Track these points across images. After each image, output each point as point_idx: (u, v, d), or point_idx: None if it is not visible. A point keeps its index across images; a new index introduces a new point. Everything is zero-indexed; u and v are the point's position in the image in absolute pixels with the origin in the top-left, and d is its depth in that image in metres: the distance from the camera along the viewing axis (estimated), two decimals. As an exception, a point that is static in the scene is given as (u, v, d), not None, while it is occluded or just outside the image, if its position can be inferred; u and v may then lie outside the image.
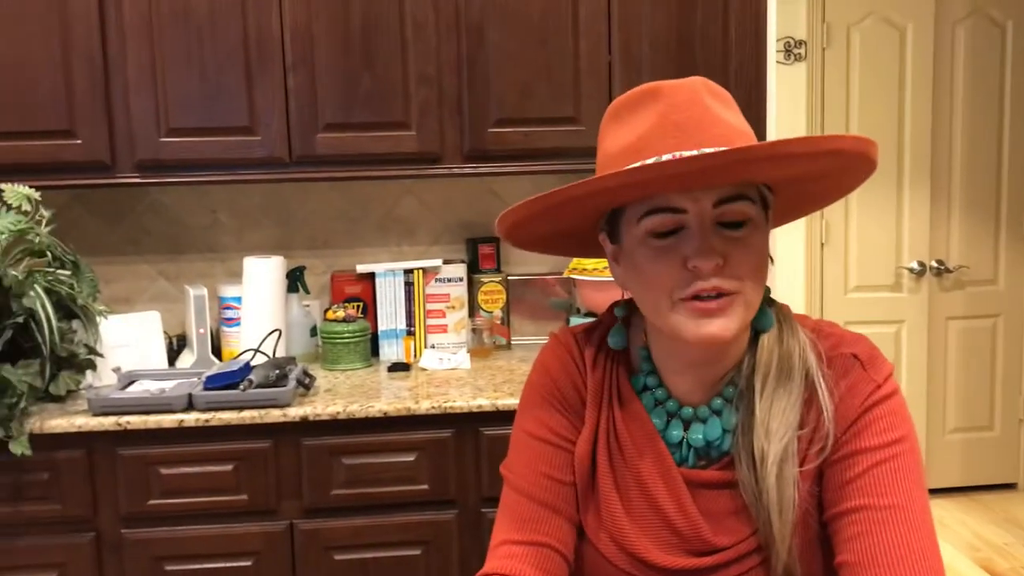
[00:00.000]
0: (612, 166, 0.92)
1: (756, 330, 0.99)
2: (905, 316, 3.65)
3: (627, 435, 1.02)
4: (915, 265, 3.60)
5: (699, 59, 2.33)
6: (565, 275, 2.46)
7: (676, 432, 1.00)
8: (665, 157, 0.88)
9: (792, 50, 3.38)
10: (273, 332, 2.29)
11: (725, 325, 0.90)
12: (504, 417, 2.05)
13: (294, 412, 2.01)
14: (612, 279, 2.27)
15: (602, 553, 1.02)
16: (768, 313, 0.99)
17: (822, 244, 3.60)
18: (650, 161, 0.89)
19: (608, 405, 1.04)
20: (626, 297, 1.06)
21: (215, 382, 2.04)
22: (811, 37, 3.40)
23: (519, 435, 1.08)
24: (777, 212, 1.00)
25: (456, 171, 2.33)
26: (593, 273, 2.35)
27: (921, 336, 3.68)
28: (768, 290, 1.00)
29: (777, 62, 3.24)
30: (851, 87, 3.50)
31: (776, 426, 0.93)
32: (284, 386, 2.06)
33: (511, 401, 2.05)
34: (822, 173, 0.93)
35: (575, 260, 2.41)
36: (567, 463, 1.05)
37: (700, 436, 0.99)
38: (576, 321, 2.48)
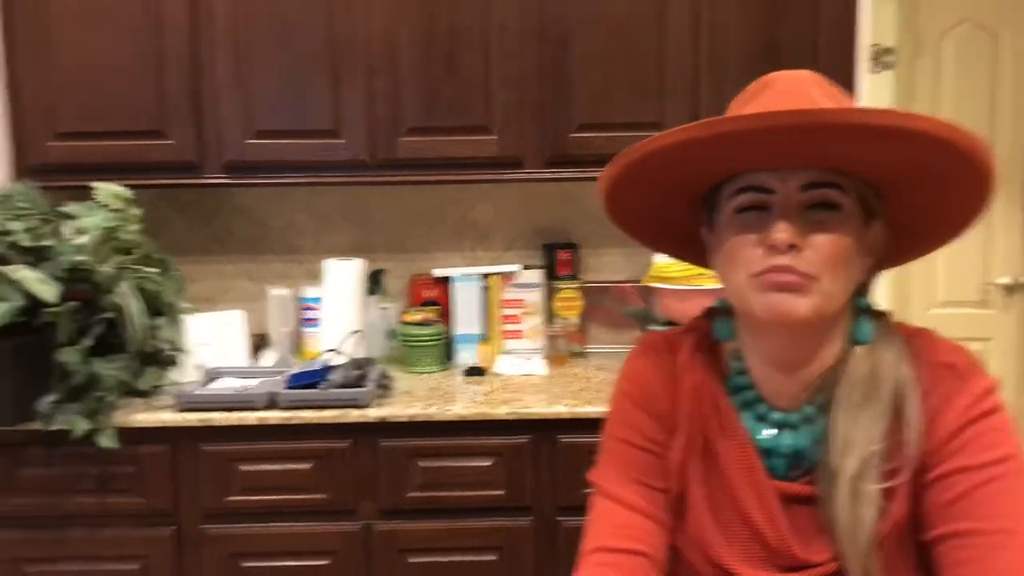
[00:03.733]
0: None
1: (853, 341, 0.96)
2: (993, 334, 3.52)
3: (720, 442, 1.00)
4: (1006, 281, 3.47)
5: (786, 66, 2.26)
6: (644, 283, 2.42)
7: (766, 437, 0.98)
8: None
9: (880, 58, 3.29)
10: (353, 333, 2.31)
11: (794, 301, 0.87)
12: (582, 425, 2.03)
13: (373, 413, 2.02)
14: (694, 288, 2.24)
15: (690, 563, 0.99)
16: (864, 325, 0.96)
17: (907, 257, 3.49)
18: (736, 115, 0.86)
19: (701, 414, 1.02)
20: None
21: (297, 381, 2.06)
22: (900, 44, 3.31)
23: (610, 442, 1.06)
24: (889, 248, 0.97)
25: (536, 175, 2.32)
26: (675, 281, 2.31)
27: (1010, 355, 3.54)
28: (867, 301, 0.98)
29: (865, 71, 3.15)
30: (941, 96, 3.39)
31: (856, 440, 0.90)
32: (364, 387, 2.06)
33: (589, 409, 2.02)
34: (920, 170, 0.87)
35: (656, 267, 2.37)
36: (659, 469, 1.02)
37: (789, 443, 0.96)
38: (655, 330, 2.44)
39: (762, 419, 0.98)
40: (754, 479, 0.96)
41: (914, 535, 0.91)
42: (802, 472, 0.96)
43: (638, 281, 2.64)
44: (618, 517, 1.01)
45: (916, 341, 0.96)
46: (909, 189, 0.92)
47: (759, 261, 0.89)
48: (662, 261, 2.36)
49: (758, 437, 0.98)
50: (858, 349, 0.94)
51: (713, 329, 1.05)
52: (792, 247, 0.87)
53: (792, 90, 0.91)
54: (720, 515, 0.98)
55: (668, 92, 2.28)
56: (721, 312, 1.05)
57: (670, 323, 2.40)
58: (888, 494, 0.90)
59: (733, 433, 0.99)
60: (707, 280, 2.25)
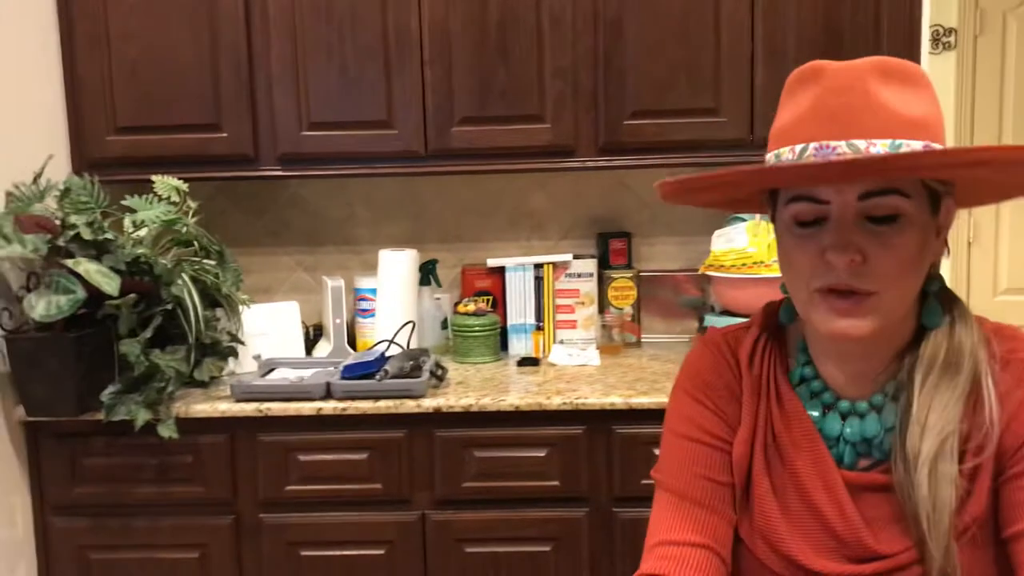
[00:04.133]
0: (774, 144, 0.91)
1: (923, 325, 0.93)
2: (1061, 322, 3.41)
3: (785, 434, 0.98)
4: (1074, 267, 3.36)
5: (847, 51, 2.22)
6: (700, 272, 2.39)
7: (833, 425, 0.96)
8: (811, 147, 0.85)
9: (941, 39, 3.20)
10: (407, 324, 2.31)
11: (857, 325, 0.86)
12: (637, 416, 2.01)
13: (428, 403, 2.02)
14: (749, 276, 2.20)
15: (757, 556, 0.98)
16: (936, 309, 0.93)
17: (969, 243, 3.41)
18: (784, 153, 0.87)
19: (766, 402, 1.01)
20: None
21: (352, 371, 2.07)
22: (962, 24, 3.22)
23: (671, 439, 1.05)
24: (961, 197, 0.93)
25: (590, 164, 2.30)
26: (731, 270, 2.27)
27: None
28: (939, 283, 0.95)
29: (926, 52, 3.07)
30: (1005, 76, 3.29)
31: (934, 421, 0.87)
32: (418, 377, 2.07)
33: (644, 400, 2.00)
34: (981, 177, 0.86)
35: (711, 256, 2.33)
36: (723, 463, 1.01)
37: (856, 431, 0.94)
38: (711, 320, 2.41)
39: (829, 408, 0.97)
40: (822, 469, 0.95)
41: (995, 534, 0.89)
42: (872, 462, 0.94)
43: (693, 270, 2.61)
44: (682, 511, 0.99)
45: (1000, 334, 0.93)
46: (977, 174, 0.88)
47: (818, 275, 0.88)
48: (718, 250, 2.32)
49: (825, 427, 0.96)
50: (934, 332, 0.92)
51: (780, 314, 1.04)
52: (851, 262, 0.85)
53: (846, 86, 0.85)
54: (788, 507, 0.97)
55: (724, 78, 2.23)
56: (786, 298, 1.03)
57: (726, 312, 2.36)
58: (966, 477, 0.88)
59: (799, 424, 0.98)
60: (764, 269, 2.22)
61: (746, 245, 2.27)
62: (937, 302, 0.94)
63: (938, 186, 0.88)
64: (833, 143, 0.84)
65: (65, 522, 2.10)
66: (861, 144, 0.82)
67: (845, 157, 0.80)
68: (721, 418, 1.02)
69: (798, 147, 0.86)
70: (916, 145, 0.83)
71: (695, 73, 2.24)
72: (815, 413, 0.97)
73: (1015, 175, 0.85)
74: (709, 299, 2.55)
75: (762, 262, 2.24)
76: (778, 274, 0.98)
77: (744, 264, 2.26)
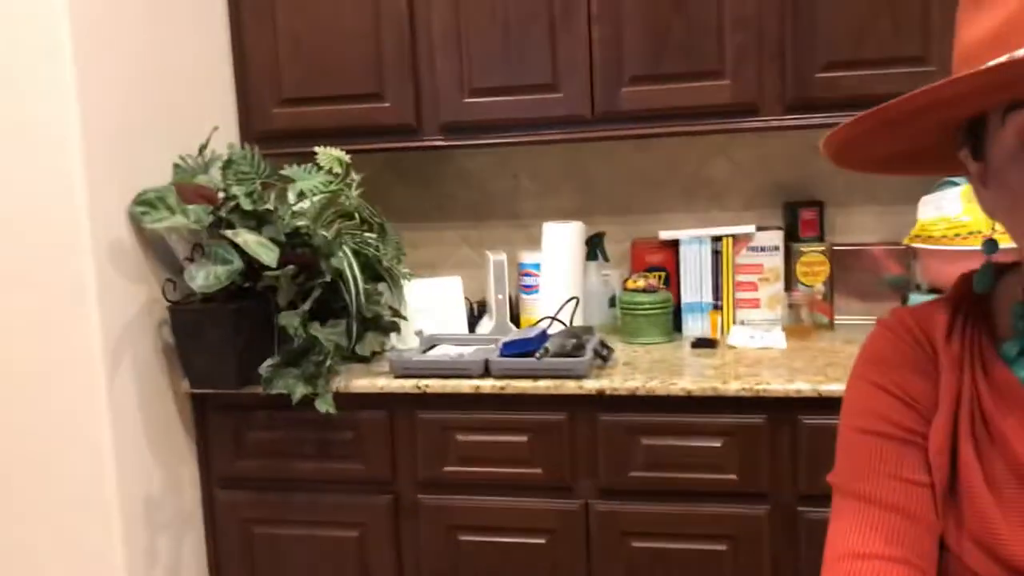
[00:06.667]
0: (970, 63, 0.69)
1: None
2: None
3: (999, 419, 0.79)
4: None
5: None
6: (904, 244, 2.11)
7: None
8: None
9: None
10: (570, 300, 2.17)
11: None
12: (827, 404, 1.78)
13: (590, 385, 1.88)
14: (964, 249, 1.91)
15: (970, 568, 0.77)
16: None
17: None
18: (1020, 53, 0.63)
19: (970, 379, 0.82)
20: (995, 235, 0.83)
21: (511, 349, 1.95)
22: None
23: (849, 435, 0.87)
24: None
25: (776, 123, 2.07)
26: (941, 241, 1.98)
27: None
28: None
29: None
30: None
31: None
32: (580, 356, 1.93)
33: (835, 387, 1.77)
34: None
35: (918, 226, 2.05)
36: (919, 460, 0.82)
37: None
38: (916, 299, 2.12)
39: None
40: None
41: None
42: None
43: (896, 243, 2.32)
44: (870, 518, 0.81)
45: None
46: None
47: None
48: (927, 219, 2.04)
49: None
50: None
51: (974, 281, 0.85)
52: None
53: None
54: (1010, 504, 0.77)
55: (934, 21, 1.95)
56: (984, 264, 0.85)
57: (934, 291, 2.07)
58: None
59: (1016, 403, 0.78)
60: (980, 240, 1.91)
61: (960, 213, 1.98)
62: None
63: None
64: None
65: (230, 495, 2.12)
66: None
67: None
68: (912, 407, 0.84)
69: (1019, 53, 0.65)
70: None
71: (900, 15, 1.96)
72: None
73: None
74: (915, 276, 2.26)
75: (979, 232, 1.94)
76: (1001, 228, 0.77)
77: (957, 235, 1.97)
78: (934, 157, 0.85)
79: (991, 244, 0.85)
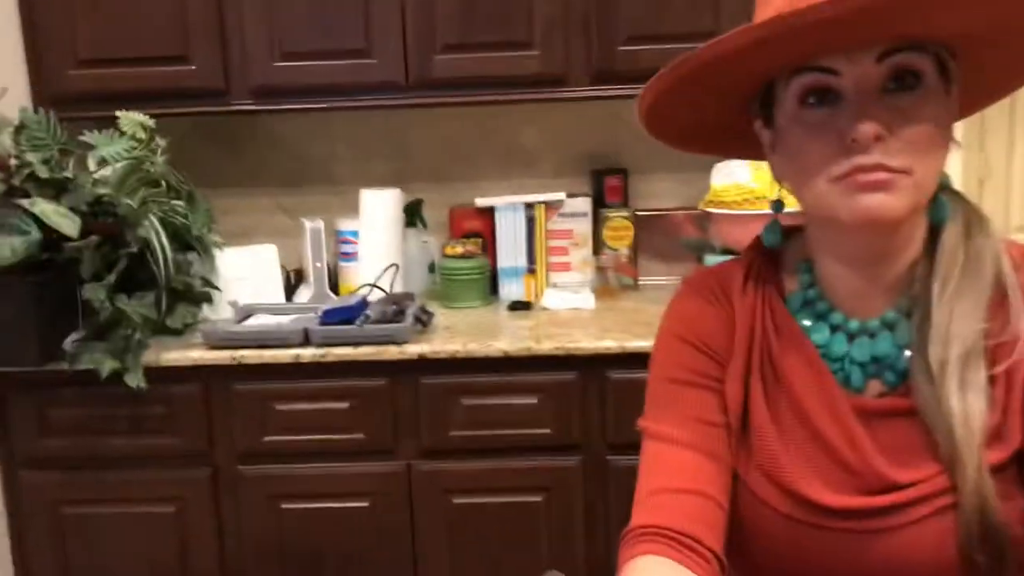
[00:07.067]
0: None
1: (933, 225, 0.84)
2: (1076, 260, 3.30)
3: (784, 362, 0.89)
4: (1090, 203, 3.23)
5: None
6: (700, 209, 2.26)
7: (839, 347, 0.87)
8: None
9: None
10: (390, 267, 2.20)
11: (887, 201, 0.76)
12: (632, 360, 1.90)
13: (412, 349, 1.92)
14: (753, 213, 2.08)
15: (758, 495, 0.88)
16: (944, 203, 0.84)
17: (981, 180, 3.27)
18: (787, 12, 0.72)
19: (761, 330, 0.92)
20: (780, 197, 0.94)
21: (331, 317, 1.96)
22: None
23: (657, 385, 0.96)
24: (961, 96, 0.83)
25: (582, 93, 2.16)
26: (732, 206, 2.14)
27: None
28: (948, 178, 0.85)
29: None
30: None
31: (957, 330, 0.79)
32: (401, 322, 1.96)
33: (640, 343, 1.89)
34: (1002, 27, 0.76)
35: (712, 192, 2.21)
36: (716, 403, 0.92)
37: (866, 351, 0.86)
38: (712, 260, 2.28)
39: (837, 329, 0.88)
40: (827, 395, 0.86)
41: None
42: (886, 388, 0.86)
43: (693, 207, 2.48)
44: (673, 457, 0.90)
45: (1011, 246, 0.85)
46: (985, 51, 0.79)
47: (840, 162, 0.77)
48: (719, 185, 2.19)
49: (832, 350, 0.88)
50: (947, 235, 0.84)
51: (763, 236, 0.95)
52: (878, 139, 0.74)
53: None
54: (791, 440, 0.88)
55: (725, -2, 2.09)
56: (771, 221, 0.95)
57: (728, 252, 2.24)
58: (1001, 386, 0.80)
59: (798, 348, 0.89)
60: (767, 204, 2.09)
61: (749, 179, 2.14)
62: (942, 196, 0.85)
63: (950, 66, 0.79)
64: None
65: (35, 476, 2.01)
66: None
67: None
68: (711, 356, 0.93)
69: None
70: None
71: (694, -8, 2.09)
72: (819, 336, 0.89)
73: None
74: (710, 238, 2.43)
75: (765, 197, 2.11)
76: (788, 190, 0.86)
77: (746, 199, 2.14)
78: (736, 137, 0.93)
79: (778, 204, 0.95)
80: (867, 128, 0.74)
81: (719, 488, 0.88)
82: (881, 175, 0.75)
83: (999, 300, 0.81)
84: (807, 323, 0.90)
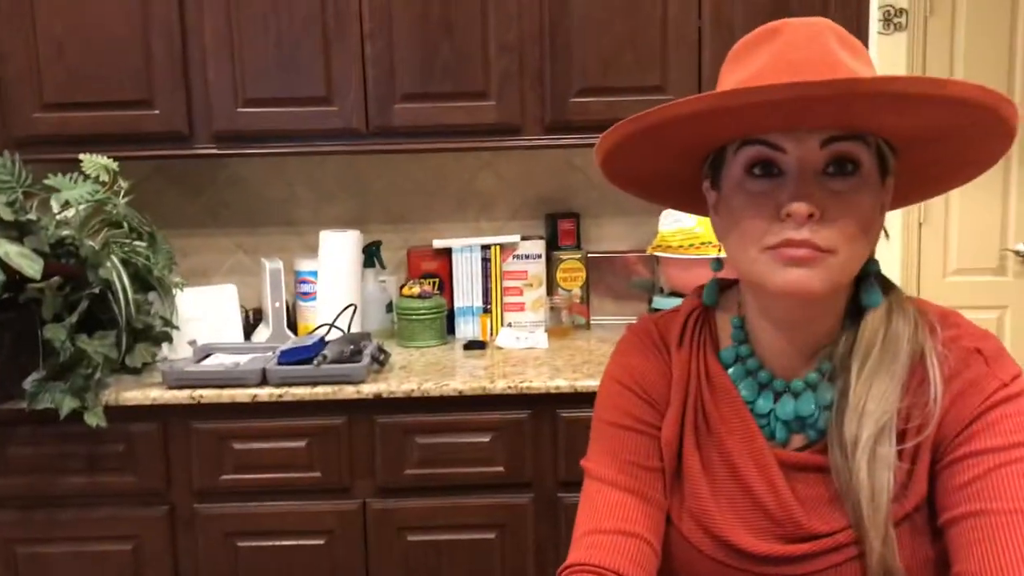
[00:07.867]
0: None
1: (860, 307, 0.91)
2: (1009, 301, 3.44)
3: (716, 413, 0.96)
4: (1022, 248, 3.38)
5: (795, 25, 2.18)
6: (648, 253, 2.35)
7: (766, 403, 0.94)
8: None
9: (892, 19, 3.18)
10: (348, 307, 2.25)
11: (809, 277, 0.82)
12: (583, 399, 1.97)
13: (368, 389, 1.97)
14: (698, 257, 2.17)
15: (688, 539, 0.94)
16: (875, 289, 0.91)
17: (920, 224, 3.41)
18: (742, 86, 0.80)
19: (696, 381, 0.98)
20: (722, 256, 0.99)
21: (289, 357, 2.00)
22: (913, 5, 3.20)
23: (599, 427, 1.02)
24: (897, 189, 0.91)
25: (536, 142, 2.25)
26: (678, 251, 2.24)
27: (1026, 323, 3.46)
28: (877, 264, 0.92)
29: (876, 32, 3.07)
30: (955, 58, 3.28)
31: (872, 408, 0.85)
32: (358, 362, 2.01)
33: (590, 383, 1.96)
34: (944, 130, 0.82)
35: (659, 236, 2.30)
36: (653, 449, 0.98)
37: (790, 409, 0.92)
38: (659, 301, 2.37)
39: (764, 387, 0.95)
40: (753, 447, 0.92)
41: (932, 521, 0.86)
42: (807, 442, 0.92)
43: (643, 251, 2.57)
44: (611, 499, 0.96)
45: (945, 322, 0.91)
46: (926, 146, 0.86)
47: (773, 233, 0.83)
48: (666, 230, 2.29)
49: (758, 405, 0.94)
50: (871, 317, 0.90)
51: (703, 295, 1.02)
52: (811, 217, 0.81)
53: (807, 42, 0.83)
54: (719, 487, 0.94)
55: (671, 55, 2.18)
56: (711, 280, 1.02)
57: (675, 294, 2.33)
58: (907, 458, 0.86)
59: (729, 402, 0.95)
60: (712, 249, 2.18)
61: (694, 225, 2.24)
62: (875, 285, 0.91)
63: (888, 159, 0.86)
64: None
65: (-11, 515, 2.02)
66: (814, 82, 0.77)
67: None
68: (649, 404, 1.00)
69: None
70: None
71: (641, 49, 2.19)
72: (747, 393, 0.95)
73: (968, 146, 0.85)
74: (658, 280, 2.52)
75: (710, 242, 2.21)
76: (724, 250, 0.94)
77: (692, 244, 2.23)
78: (686, 191, 1.00)
79: (717, 263, 1.03)
80: (801, 207, 0.80)
81: (651, 530, 0.94)
82: (807, 252, 0.81)
83: (921, 376, 0.87)
84: (737, 378, 0.96)
